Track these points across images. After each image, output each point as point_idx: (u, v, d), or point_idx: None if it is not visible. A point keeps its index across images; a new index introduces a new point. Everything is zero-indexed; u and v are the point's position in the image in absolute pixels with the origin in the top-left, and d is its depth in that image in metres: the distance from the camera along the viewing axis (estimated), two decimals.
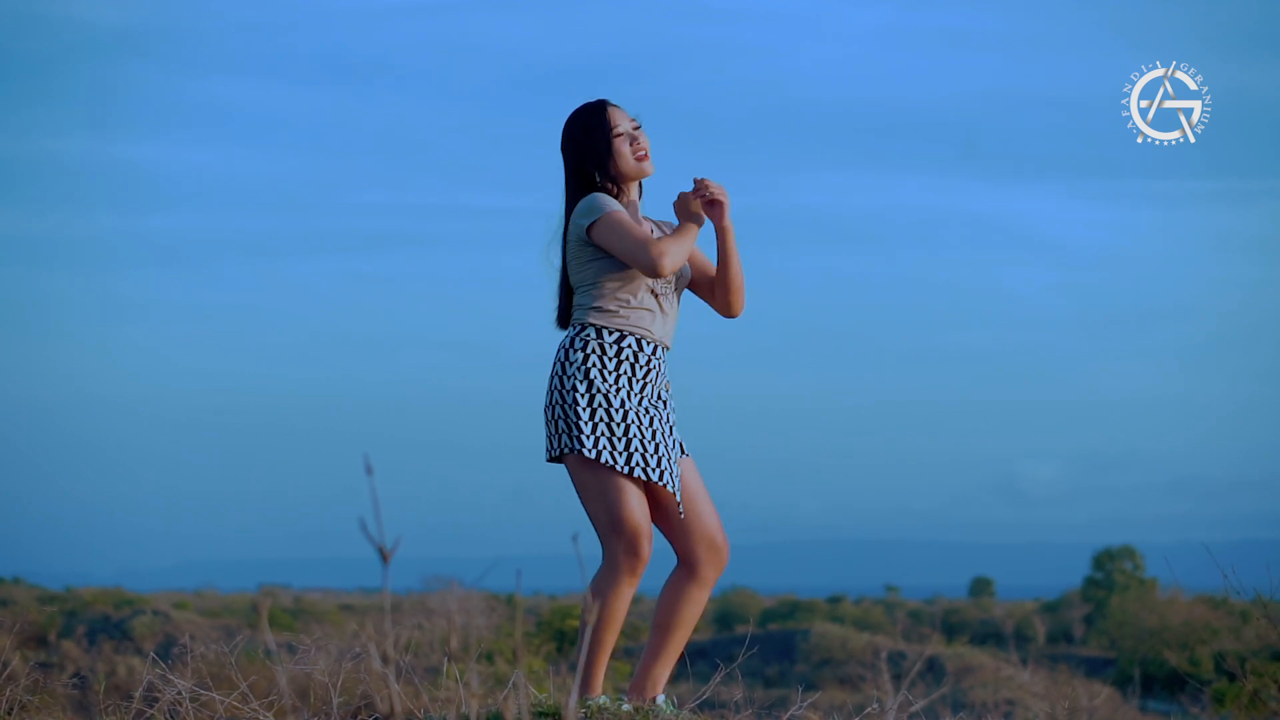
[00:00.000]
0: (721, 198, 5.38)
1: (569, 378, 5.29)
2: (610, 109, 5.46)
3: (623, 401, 5.27)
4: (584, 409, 5.25)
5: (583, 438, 5.23)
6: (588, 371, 5.28)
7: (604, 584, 5.29)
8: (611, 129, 5.42)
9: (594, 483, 5.27)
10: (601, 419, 5.25)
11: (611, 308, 5.33)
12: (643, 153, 5.45)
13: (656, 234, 5.48)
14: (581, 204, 5.37)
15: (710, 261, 5.60)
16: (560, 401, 5.29)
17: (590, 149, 5.41)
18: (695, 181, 5.43)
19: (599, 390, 5.26)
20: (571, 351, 5.32)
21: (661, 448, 5.30)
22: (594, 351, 5.29)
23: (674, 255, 5.27)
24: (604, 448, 5.23)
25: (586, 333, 5.32)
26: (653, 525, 5.33)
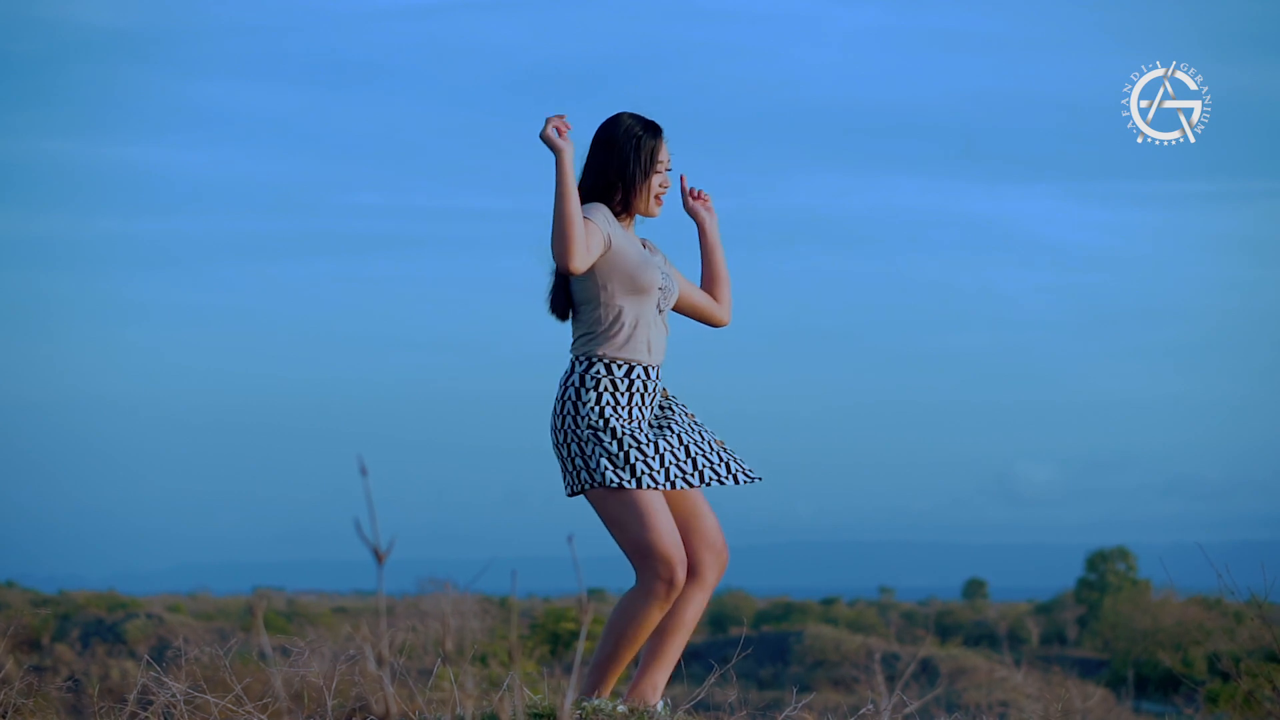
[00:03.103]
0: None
1: (584, 417, 5.24)
2: (661, 141, 5.44)
3: (640, 427, 5.28)
4: (609, 441, 5.20)
5: (611, 472, 5.20)
6: (603, 409, 5.24)
7: (636, 606, 5.26)
8: (656, 164, 5.41)
9: (620, 513, 5.23)
10: (630, 445, 5.21)
11: (619, 337, 5.30)
12: (661, 199, 5.45)
13: (647, 253, 5.48)
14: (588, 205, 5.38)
15: (692, 284, 5.65)
16: (578, 439, 5.24)
17: (630, 169, 5.39)
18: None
19: (617, 424, 5.23)
20: (584, 390, 5.27)
21: (694, 447, 5.33)
22: (606, 388, 5.26)
23: (560, 238, 5.23)
24: (642, 472, 5.20)
25: (596, 369, 5.28)
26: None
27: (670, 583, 5.22)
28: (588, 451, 5.22)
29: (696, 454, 5.33)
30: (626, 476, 5.18)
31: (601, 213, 5.35)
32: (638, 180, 5.38)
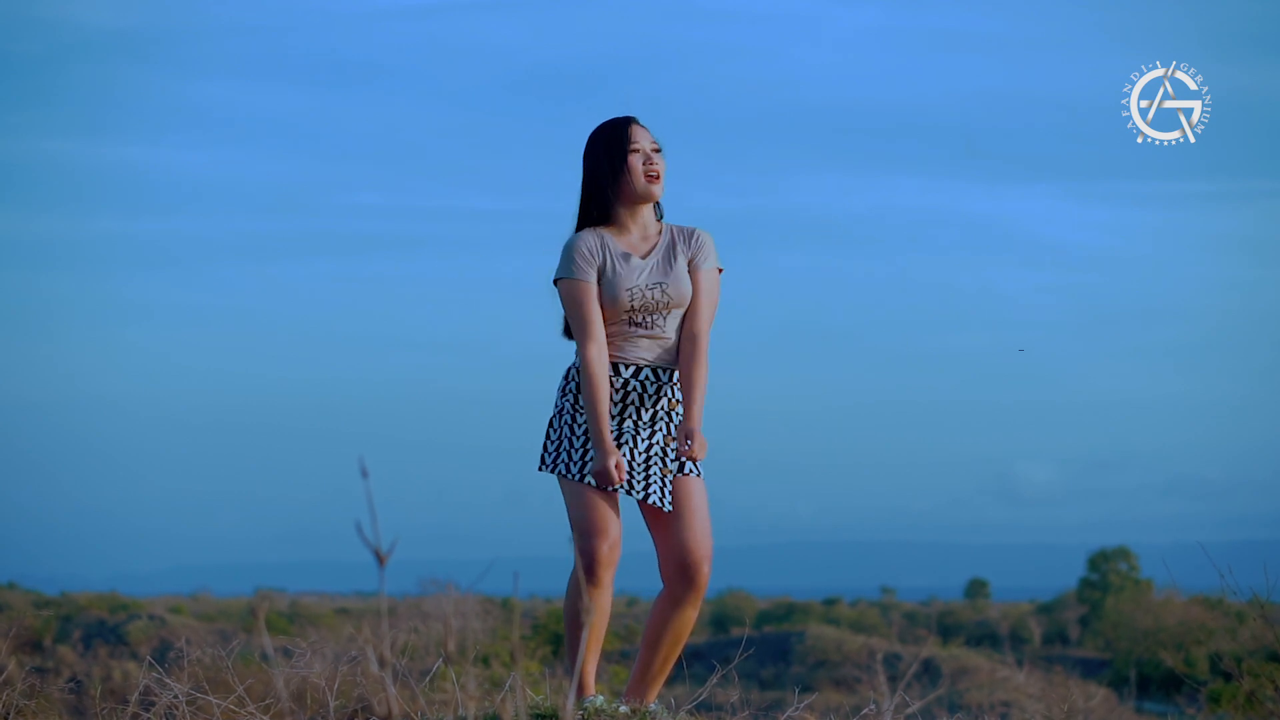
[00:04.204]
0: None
1: (554, 405, 5.53)
2: (634, 126, 5.50)
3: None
4: (554, 429, 5.49)
5: (546, 455, 5.48)
6: (564, 395, 5.50)
7: (569, 584, 5.43)
8: (629, 145, 5.45)
9: (564, 492, 5.44)
10: (566, 436, 5.44)
11: None
12: (654, 174, 5.47)
13: (649, 261, 5.47)
14: (564, 247, 5.46)
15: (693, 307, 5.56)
16: (547, 424, 5.55)
17: (605, 163, 5.46)
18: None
19: (567, 412, 5.46)
20: (562, 379, 5.53)
21: (629, 463, 5.38)
22: (573, 378, 5.49)
23: (583, 380, 5.36)
24: (563, 461, 5.42)
25: (573, 366, 5.50)
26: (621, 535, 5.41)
27: (585, 554, 5.31)
28: (548, 435, 5.53)
29: (628, 467, 5.40)
30: (549, 460, 5.47)
31: (584, 250, 5.41)
32: (615, 165, 5.44)
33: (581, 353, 5.36)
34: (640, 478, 5.38)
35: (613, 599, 5.40)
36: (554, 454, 5.44)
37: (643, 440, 5.41)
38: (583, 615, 5.31)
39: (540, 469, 5.47)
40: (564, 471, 5.39)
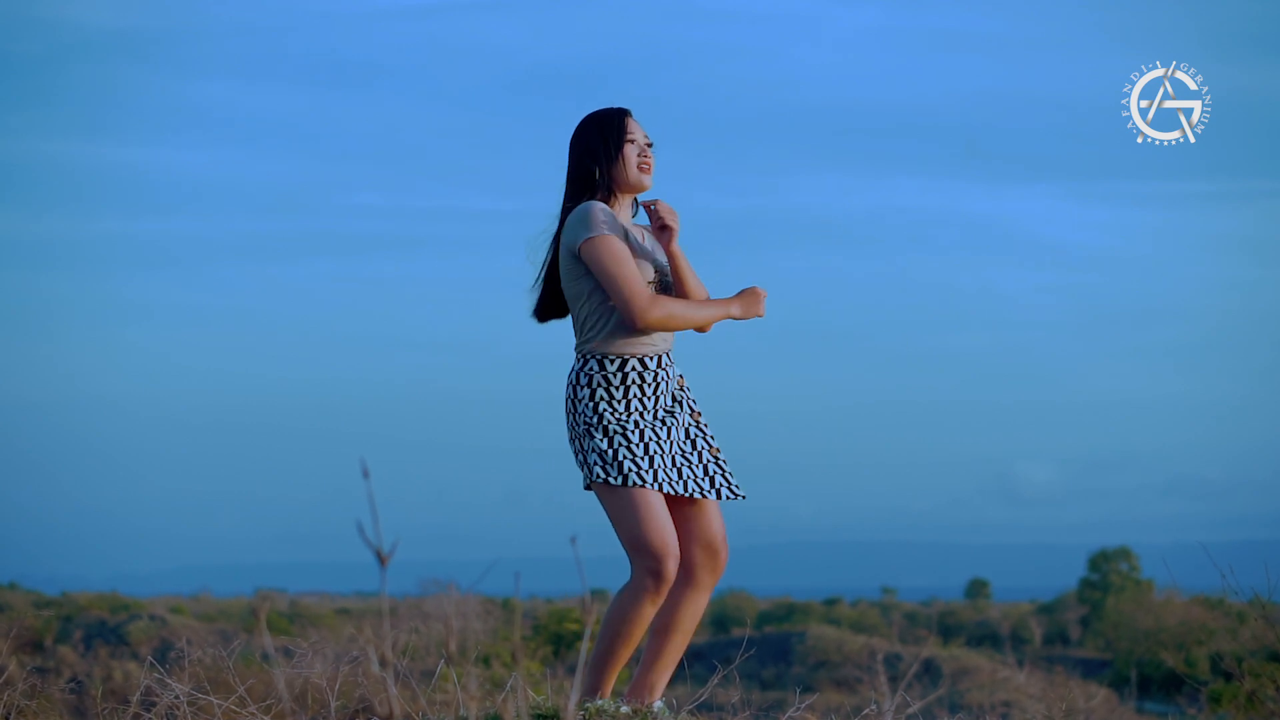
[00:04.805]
0: (672, 223, 5.40)
1: (581, 415, 5.29)
2: (630, 118, 5.47)
3: (636, 423, 5.27)
4: (601, 439, 5.25)
5: (606, 467, 5.23)
6: (597, 405, 5.27)
7: (626, 600, 5.27)
8: (626, 135, 5.43)
9: (617, 507, 5.25)
10: (620, 443, 5.24)
11: (610, 332, 5.31)
12: (646, 166, 5.45)
13: (647, 242, 5.48)
14: (577, 213, 5.32)
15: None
16: (580, 436, 5.30)
17: (599, 148, 5.40)
18: (646, 206, 5.45)
19: (610, 420, 5.25)
20: (579, 388, 5.31)
21: (679, 458, 5.32)
22: (599, 384, 5.27)
23: (670, 316, 5.28)
24: (629, 470, 5.22)
25: (590, 365, 5.30)
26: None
27: (657, 575, 5.21)
28: (586, 447, 5.28)
29: (682, 464, 5.33)
30: (614, 474, 5.21)
31: (605, 211, 5.33)
32: (609, 150, 5.41)
33: (642, 305, 5.21)
34: (690, 472, 5.33)
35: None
36: (614, 463, 5.21)
37: (679, 428, 5.34)
38: (594, 617, 5.30)
39: (600, 479, 5.22)
40: (636, 480, 5.20)
